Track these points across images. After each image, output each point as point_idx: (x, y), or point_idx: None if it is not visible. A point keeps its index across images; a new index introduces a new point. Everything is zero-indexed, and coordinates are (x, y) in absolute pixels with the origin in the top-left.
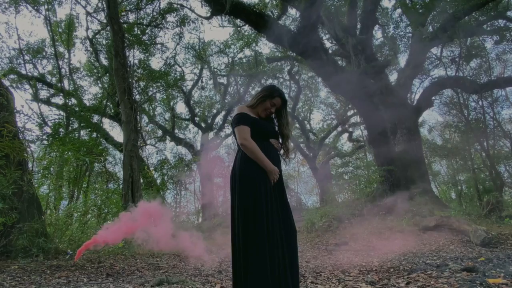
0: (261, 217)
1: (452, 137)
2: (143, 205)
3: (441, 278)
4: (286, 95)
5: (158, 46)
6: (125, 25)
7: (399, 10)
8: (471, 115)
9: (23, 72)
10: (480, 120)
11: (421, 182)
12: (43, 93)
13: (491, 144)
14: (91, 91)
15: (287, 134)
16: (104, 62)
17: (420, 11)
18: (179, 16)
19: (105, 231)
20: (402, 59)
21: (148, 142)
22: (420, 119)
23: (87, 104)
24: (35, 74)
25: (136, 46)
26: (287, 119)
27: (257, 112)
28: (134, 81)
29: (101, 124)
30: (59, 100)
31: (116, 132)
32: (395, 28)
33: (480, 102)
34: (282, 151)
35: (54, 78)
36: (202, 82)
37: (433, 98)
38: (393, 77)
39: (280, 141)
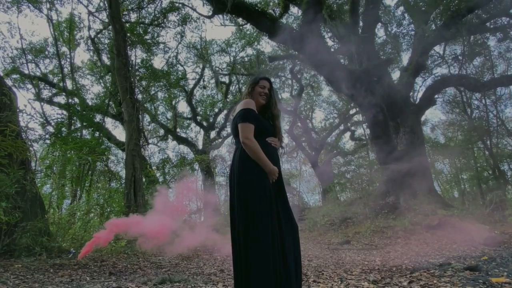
0: (261, 217)
1: (455, 136)
2: (178, 186)
3: (443, 277)
4: (288, 94)
5: (160, 45)
6: (127, 25)
7: (401, 8)
8: (474, 114)
9: (26, 71)
10: (483, 119)
11: (424, 181)
12: (46, 93)
13: (494, 142)
14: (93, 90)
15: (276, 114)
16: (106, 61)
17: (423, 8)
18: (180, 15)
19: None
20: (405, 57)
21: (150, 141)
22: (423, 118)
23: (90, 103)
24: (38, 73)
25: (138, 45)
26: (275, 99)
27: (256, 102)
28: (136, 80)
29: (104, 124)
30: (61, 99)
31: (119, 131)
32: (398, 26)
33: (483, 101)
34: (281, 150)
35: (56, 78)
36: (204, 81)
37: (436, 96)
38: (395, 75)
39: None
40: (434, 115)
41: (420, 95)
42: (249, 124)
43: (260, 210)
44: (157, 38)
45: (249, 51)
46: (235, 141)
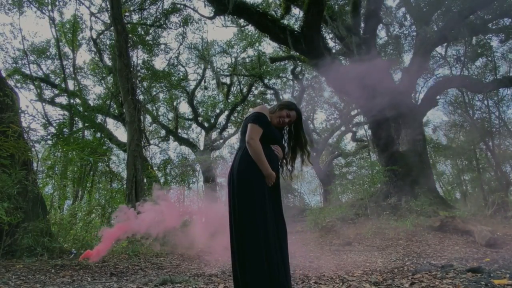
0: (258, 219)
1: (457, 137)
2: None
3: (445, 279)
4: (289, 95)
5: (162, 46)
6: (128, 26)
7: (403, 9)
8: (476, 115)
9: (28, 72)
10: (486, 120)
11: (426, 182)
12: (47, 93)
13: (497, 143)
14: (95, 91)
15: (305, 152)
16: (108, 62)
17: (425, 9)
18: (182, 16)
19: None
20: (406, 58)
21: (151, 142)
22: (425, 119)
23: (91, 104)
24: (40, 74)
25: (139, 46)
26: (306, 139)
27: (272, 118)
28: (137, 81)
29: (105, 124)
30: (63, 100)
31: (120, 132)
32: (399, 27)
33: (486, 102)
34: (284, 160)
35: (58, 78)
36: (205, 82)
37: (438, 97)
38: (397, 76)
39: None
40: (436, 116)
41: (422, 96)
42: (258, 127)
43: (256, 211)
44: (159, 39)
45: (250, 52)
46: (240, 139)
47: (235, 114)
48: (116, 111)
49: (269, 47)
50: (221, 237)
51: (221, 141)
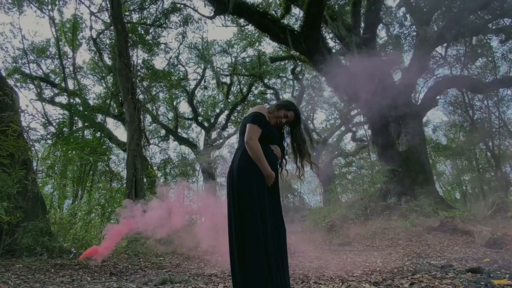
0: (257, 219)
1: (457, 137)
2: None
3: (445, 279)
4: (289, 95)
5: (162, 46)
6: (128, 25)
7: (403, 9)
8: (476, 115)
9: (28, 71)
10: (485, 120)
11: (425, 182)
12: (47, 93)
13: (497, 144)
14: (95, 90)
15: (304, 152)
16: (108, 61)
17: (425, 9)
18: (182, 15)
19: None
20: (407, 58)
21: (151, 141)
22: (425, 119)
23: (91, 103)
24: (39, 73)
25: (139, 45)
26: (303, 138)
27: (270, 118)
28: (137, 80)
29: (105, 124)
30: (63, 99)
31: (120, 132)
32: (399, 27)
33: (486, 102)
34: (283, 160)
35: (58, 78)
36: (205, 81)
37: (438, 97)
38: (397, 76)
39: (289, 155)
40: (436, 116)
41: (422, 96)
42: (256, 127)
43: (255, 210)
44: (159, 39)
45: (250, 51)
46: (239, 139)
47: (235, 114)
48: (116, 110)
49: (269, 47)
50: (225, 237)
51: (221, 140)
